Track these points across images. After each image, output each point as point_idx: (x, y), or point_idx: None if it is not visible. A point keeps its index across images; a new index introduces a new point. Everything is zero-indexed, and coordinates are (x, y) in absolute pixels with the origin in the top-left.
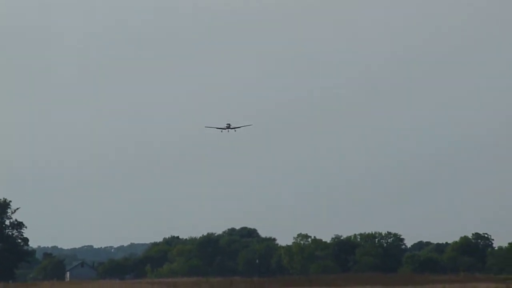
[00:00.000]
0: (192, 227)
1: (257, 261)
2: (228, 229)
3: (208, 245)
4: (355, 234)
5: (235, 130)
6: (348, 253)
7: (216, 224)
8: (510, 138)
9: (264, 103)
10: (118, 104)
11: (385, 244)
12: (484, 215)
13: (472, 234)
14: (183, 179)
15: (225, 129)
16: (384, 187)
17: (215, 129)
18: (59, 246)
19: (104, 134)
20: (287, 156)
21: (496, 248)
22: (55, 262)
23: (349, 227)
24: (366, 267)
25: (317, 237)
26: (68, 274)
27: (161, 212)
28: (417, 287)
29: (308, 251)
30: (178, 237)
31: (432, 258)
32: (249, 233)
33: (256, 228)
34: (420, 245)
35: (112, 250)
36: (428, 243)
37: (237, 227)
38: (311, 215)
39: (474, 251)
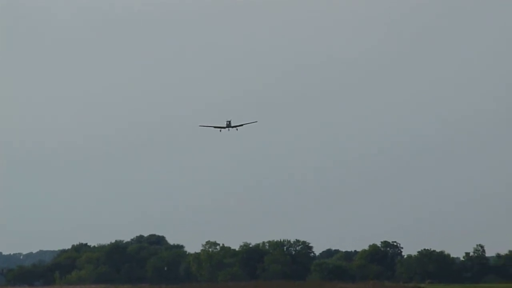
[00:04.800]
0: (100, 234)
1: (165, 268)
2: (137, 236)
3: (116, 252)
4: (263, 242)
5: (236, 129)
6: (256, 260)
7: (125, 231)
8: (415, 149)
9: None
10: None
11: (293, 252)
12: (393, 223)
13: (381, 242)
14: (90, 185)
15: (224, 128)
16: (292, 195)
17: (213, 128)
18: None
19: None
20: (195, 162)
21: (405, 257)
22: None
23: (257, 235)
24: (275, 274)
25: (226, 245)
26: None
27: (69, 218)
28: None
29: (217, 258)
30: (86, 244)
31: (341, 266)
32: (157, 241)
33: (165, 235)
34: (328, 253)
35: (21, 257)
36: (336, 251)
37: (145, 234)
38: (220, 222)
39: (383, 259)
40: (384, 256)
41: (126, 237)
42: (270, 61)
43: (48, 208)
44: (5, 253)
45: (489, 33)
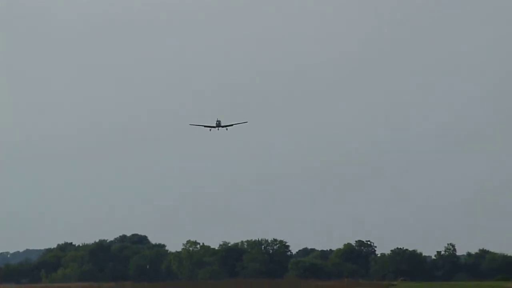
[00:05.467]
0: (84, 233)
1: (147, 266)
2: (120, 236)
3: (100, 251)
4: (242, 241)
5: (226, 129)
6: (235, 259)
7: (108, 230)
8: (390, 149)
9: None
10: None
11: (271, 251)
12: (367, 223)
13: (355, 241)
14: (75, 186)
15: (214, 127)
16: (270, 195)
17: (202, 127)
18: None
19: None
20: (175, 162)
21: (378, 255)
22: None
23: (236, 234)
24: (253, 272)
25: (206, 244)
26: None
27: (55, 218)
28: None
29: (197, 257)
30: (71, 243)
31: (317, 264)
32: (140, 240)
33: (147, 235)
34: (305, 252)
35: (8, 255)
36: (312, 250)
37: (128, 234)
38: (200, 222)
39: (357, 257)
40: (358, 255)
41: (110, 237)
42: (268, 61)
43: (35, 208)
44: None
45: (487, 30)
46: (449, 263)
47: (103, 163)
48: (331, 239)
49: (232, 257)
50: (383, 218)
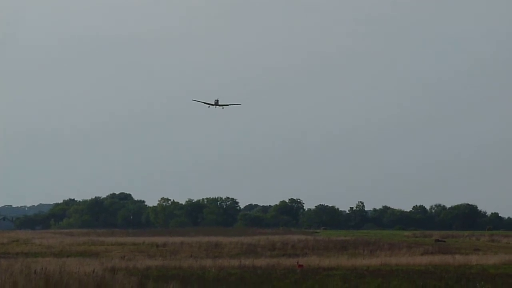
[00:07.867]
0: (84, 192)
1: (131, 217)
2: (110, 194)
3: (96, 205)
4: (203, 198)
5: (222, 108)
6: (197, 212)
7: (102, 189)
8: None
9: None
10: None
11: (224, 206)
12: (296, 186)
13: (288, 199)
14: (79, 152)
15: (212, 105)
16: (224, 164)
17: (203, 103)
18: None
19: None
20: (151, 135)
21: (306, 210)
22: None
23: (198, 193)
24: (211, 222)
25: (175, 200)
26: None
27: (62, 180)
28: (248, 237)
29: (169, 210)
30: (74, 199)
31: (259, 217)
32: (125, 197)
33: (131, 193)
34: (250, 207)
35: (26, 208)
36: (256, 205)
37: (117, 192)
38: (172, 183)
39: (289, 211)
40: (290, 209)
41: (103, 194)
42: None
43: (47, 172)
44: (14, 205)
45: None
46: (359, 216)
47: (99, 143)
48: (270, 197)
49: (195, 210)
50: (309, 182)
